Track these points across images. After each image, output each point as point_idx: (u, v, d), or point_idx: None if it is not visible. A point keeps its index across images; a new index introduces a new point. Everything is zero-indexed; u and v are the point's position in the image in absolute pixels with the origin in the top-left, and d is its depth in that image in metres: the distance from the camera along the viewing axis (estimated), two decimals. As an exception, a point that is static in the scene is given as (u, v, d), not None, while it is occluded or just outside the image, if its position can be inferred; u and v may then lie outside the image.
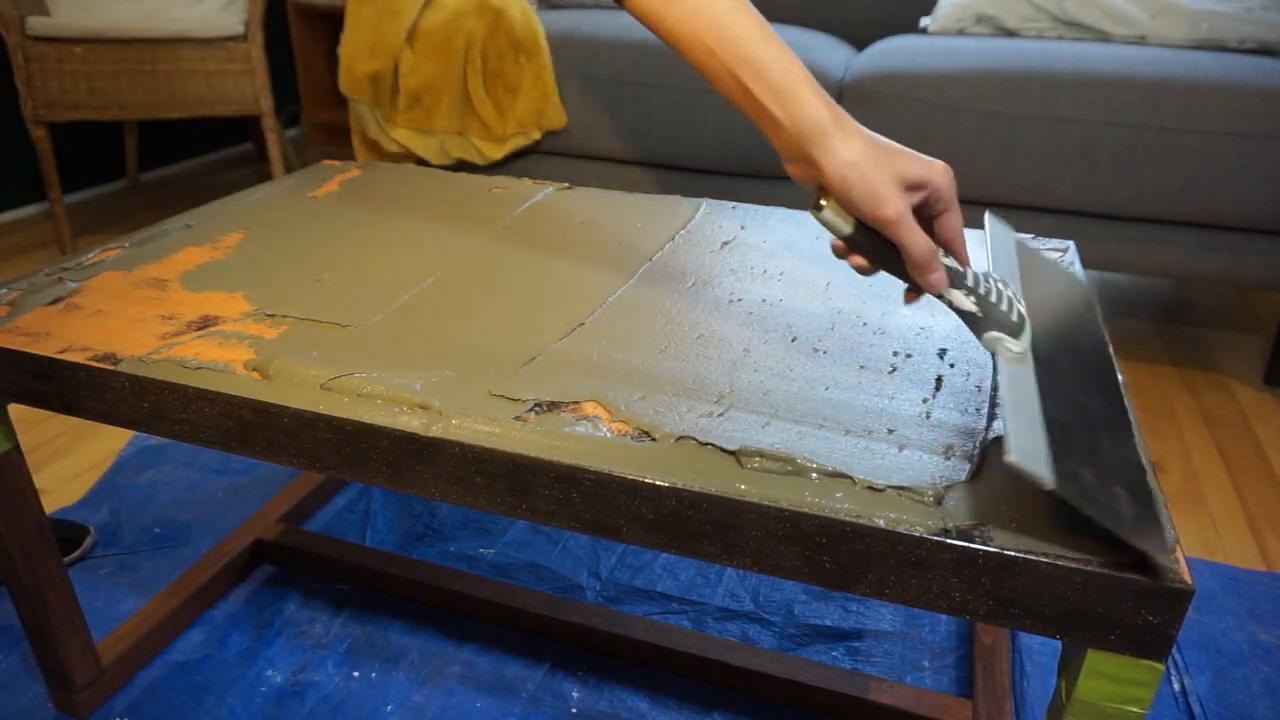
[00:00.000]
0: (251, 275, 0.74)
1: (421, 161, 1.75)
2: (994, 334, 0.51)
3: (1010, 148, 1.40)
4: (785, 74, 0.53)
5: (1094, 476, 0.43)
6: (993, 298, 0.52)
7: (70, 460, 1.24)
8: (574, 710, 0.85)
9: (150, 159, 2.50)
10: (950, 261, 0.53)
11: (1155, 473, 0.49)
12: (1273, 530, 1.13)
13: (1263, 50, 1.46)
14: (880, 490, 0.48)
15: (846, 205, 0.52)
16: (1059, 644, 0.92)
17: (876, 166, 0.51)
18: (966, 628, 0.96)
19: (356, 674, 0.89)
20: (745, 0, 0.55)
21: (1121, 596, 0.42)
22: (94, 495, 1.15)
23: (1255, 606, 1.00)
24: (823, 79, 1.49)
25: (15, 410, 1.35)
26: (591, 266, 0.76)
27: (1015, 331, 0.51)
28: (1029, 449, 0.42)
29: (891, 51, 1.52)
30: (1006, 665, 0.87)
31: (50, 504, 1.14)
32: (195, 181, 2.50)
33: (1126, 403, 0.53)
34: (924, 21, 1.80)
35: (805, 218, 0.90)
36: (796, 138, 0.53)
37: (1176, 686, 0.89)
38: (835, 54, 1.60)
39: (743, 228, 0.87)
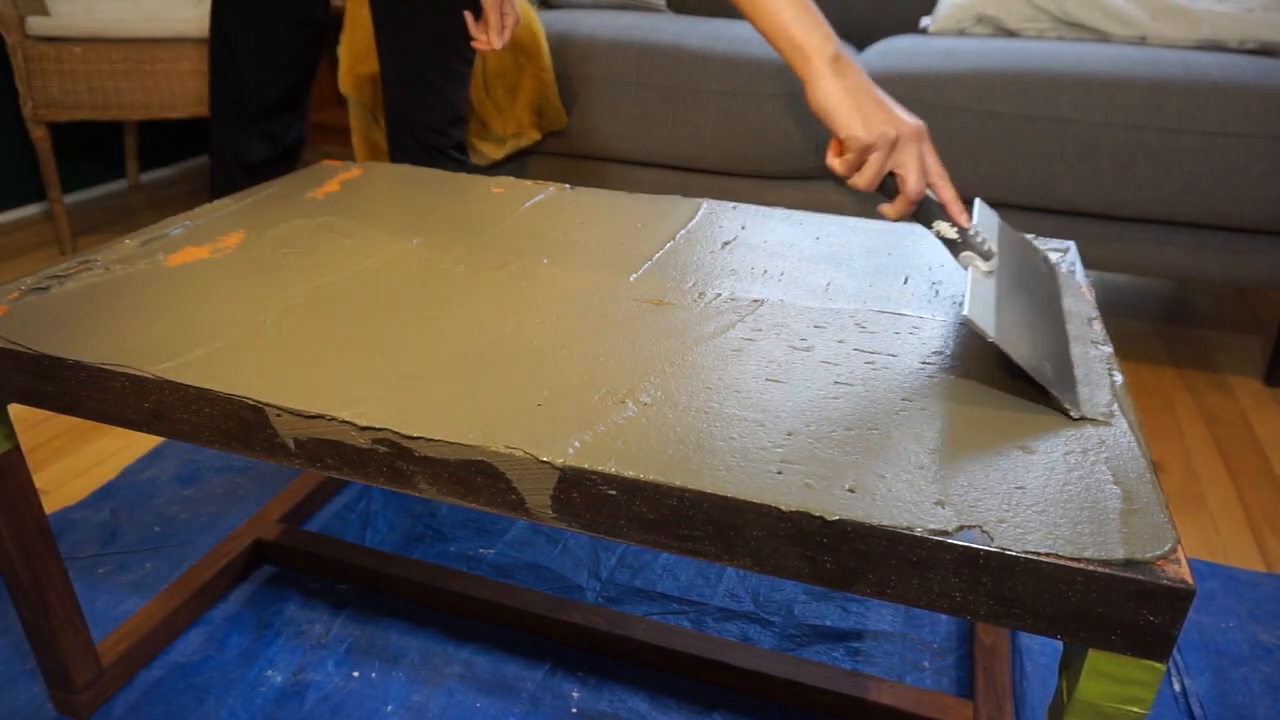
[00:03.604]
0: (251, 276, 0.74)
1: (421, 161, 1.75)
2: (968, 254, 0.67)
3: (1010, 148, 1.40)
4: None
5: (1030, 347, 0.58)
6: (970, 232, 0.67)
7: (70, 460, 1.24)
8: (574, 710, 0.85)
9: (150, 159, 2.50)
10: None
11: (1155, 472, 0.49)
12: (1273, 530, 1.13)
13: (1263, 51, 1.46)
14: (856, 491, 0.48)
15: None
16: (1059, 644, 0.92)
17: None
18: (966, 628, 0.96)
19: (356, 674, 0.89)
20: None
21: (1122, 596, 0.42)
22: (94, 494, 1.15)
23: (1255, 607, 1.00)
24: (823, 79, 1.49)
25: (15, 410, 1.35)
26: (592, 267, 0.76)
27: (986, 258, 0.66)
28: (980, 313, 0.57)
29: (891, 51, 1.52)
30: (1007, 665, 0.87)
31: (50, 504, 1.14)
32: (195, 181, 2.50)
33: (1068, 328, 0.67)
34: (924, 21, 1.80)
35: (805, 218, 0.90)
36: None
37: (1177, 687, 0.89)
38: (835, 54, 1.60)
39: (743, 228, 0.87)
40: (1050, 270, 0.75)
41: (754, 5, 0.70)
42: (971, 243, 0.67)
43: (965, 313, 0.56)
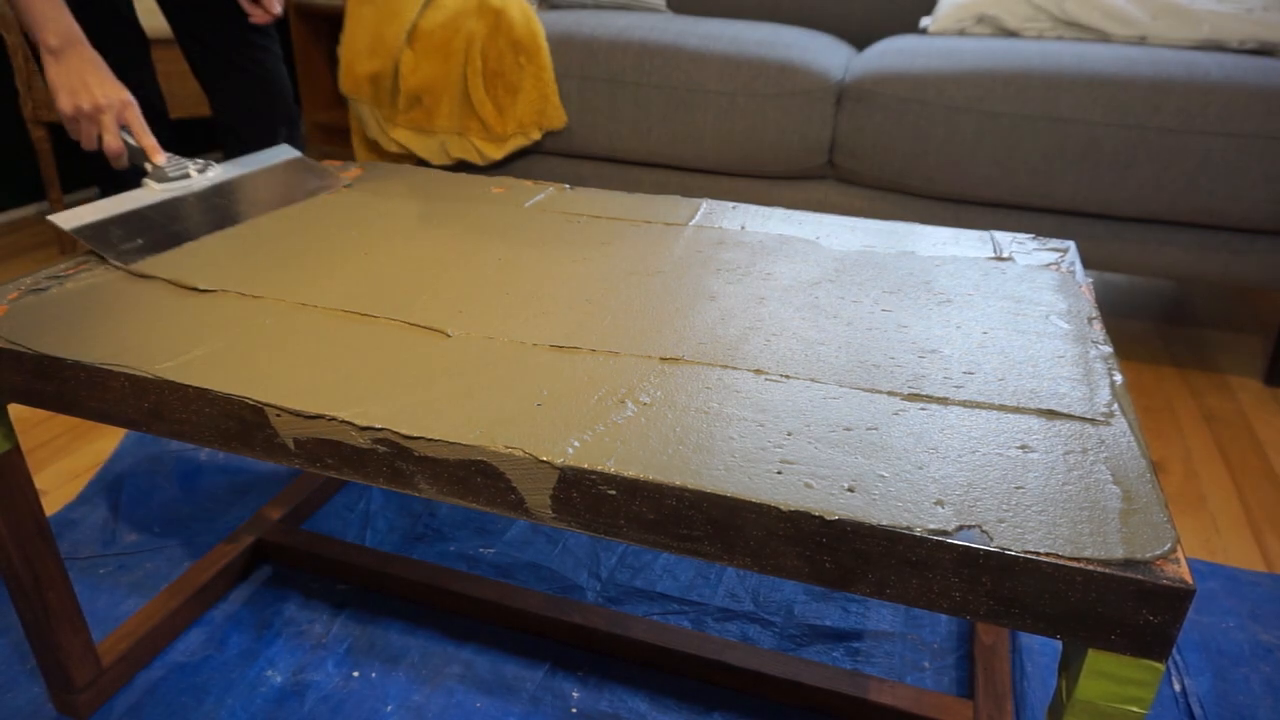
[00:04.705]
0: (251, 276, 0.74)
1: (421, 162, 1.75)
2: (148, 180, 0.90)
3: (1010, 148, 1.40)
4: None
5: (128, 238, 0.79)
6: (165, 168, 0.91)
7: (70, 460, 1.24)
8: (574, 710, 0.85)
9: (150, 159, 2.50)
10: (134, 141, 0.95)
11: (1155, 472, 0.49)
12: (1273, 530, 1.13)
13: (1263, 51, 1.46)
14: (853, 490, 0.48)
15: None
16: (1059, 644, 0.92)
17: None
18: (966, 628, 0.96)
19: (356, 674, 0.89)
20: None
21: (1122, 596, 0.42)
22: (93, 493, 1.15)
23: (1255, 607, 1.00)
24: (823, 79, 1.49)
25: (15, 410, 1.35)
26: (590, 267, 0.76)
27: (161, 181, 0.90)
28: (68, 217, 0.79)
29: (891, 51, 1.52)
30: (1007, 665, 0.87)
31: (50, 504, 1.14)
32: (195, 181, 2.50)
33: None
34: (924, 21, 1.80)
35: (805, 218, 0.90)
36: None
37: (1177, 687, 0.89)
38: (835, 54, 1.60)
39: (743, 227, 0.87)
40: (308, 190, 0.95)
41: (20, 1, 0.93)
42: (159, 174, 0.90)
43: (50, 217, 0.79)
